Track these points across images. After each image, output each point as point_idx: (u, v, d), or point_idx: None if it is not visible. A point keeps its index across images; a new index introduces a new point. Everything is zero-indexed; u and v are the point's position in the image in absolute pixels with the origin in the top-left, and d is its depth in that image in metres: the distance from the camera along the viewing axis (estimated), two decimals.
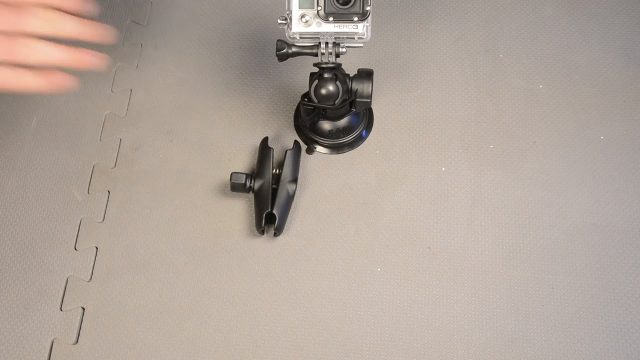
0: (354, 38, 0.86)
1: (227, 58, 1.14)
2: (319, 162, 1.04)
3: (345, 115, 1.01)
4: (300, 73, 1.11)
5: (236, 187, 0.97)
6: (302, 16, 0.84)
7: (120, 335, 0.93)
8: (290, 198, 0.98)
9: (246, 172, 1.00)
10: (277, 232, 0.97)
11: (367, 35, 0.86)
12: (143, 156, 1.06)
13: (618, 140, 1.03)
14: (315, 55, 0.88)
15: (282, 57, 0.90)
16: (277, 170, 0.99)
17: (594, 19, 1.14)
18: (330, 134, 1.03)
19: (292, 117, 1.08)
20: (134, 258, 0.98)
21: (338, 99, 0.92)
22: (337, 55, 0.88)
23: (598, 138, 1.04)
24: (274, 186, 0.98)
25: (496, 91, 1.09)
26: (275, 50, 0.91)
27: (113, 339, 0.93)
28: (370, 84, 0.94)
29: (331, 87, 0.91)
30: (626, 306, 0.92)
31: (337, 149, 1.05)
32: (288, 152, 1.00)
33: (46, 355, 0.93)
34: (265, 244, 0.98)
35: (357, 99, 0.94)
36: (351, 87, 0.94)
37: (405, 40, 1.14)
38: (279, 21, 0.86)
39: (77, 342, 0.93)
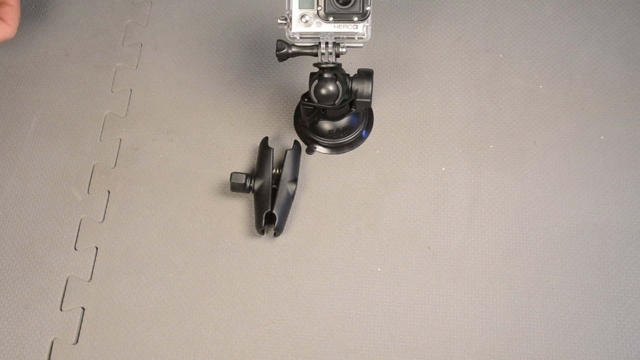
0: (354, 38, 0.87)
1: (227, 58, 1.14)
2: (319, 162, 1.04)
3: (345, 115, 1.01)
4: (300, 73, 1.11)
5: (236, 187, 0.97)
6: (302, 16, 0.84)
7: (120, 335, 0.93)
8: (290, 198, 0.98)
9: (246, 172, 1.00)
10: (277, 232, 0.97)
11: (367, 35, 0.86)
12: (143, 156, 1.06)
13: (618, 140, 1.03)
14: (315, 55, 0.88)
15: (282, 57, 0.90)
16: (277, 170, 0.99)
17: (594, 19, 1.14)
18: (330, 134, 1.03)
19: (292, 117, 1.08)
20: (134, 258, 0.98)
21: (338, 99, 0.92)
22: (337, 55, 0.88)
23: (598, 138, 1.04)
24: (274, 186, 0.98)
25: (496, 91, 1.09)
26: (275, 50, 0.91)
27: (113, 339, 0.93)
28: (370, 84, 0.94)
29: (331, 87, 0.91)
30: (626, 306, 0.92)
31: (337, 149, 1.05)
32: (288, 152, 1.00)
33: (46, 355, 0.93)
34: (265, 244, 0.98)
35: (357, 99, 0.94)
36: (351, 87, 0.94)
37: (405, 40, 1.14)
38: (279, 21, 0.86)
39: (77, 342, 0.93)
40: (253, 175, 0.99)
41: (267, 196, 0.96)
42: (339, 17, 0.84)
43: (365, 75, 0.94)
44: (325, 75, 0.91)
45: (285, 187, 0.97)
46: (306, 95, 0.96)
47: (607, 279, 0.94)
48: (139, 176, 1.04)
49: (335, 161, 1.04)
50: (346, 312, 0.93)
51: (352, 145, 1.05)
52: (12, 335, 0.94)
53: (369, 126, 1.06)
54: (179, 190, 1.03)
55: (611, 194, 0.99)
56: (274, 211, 0.95)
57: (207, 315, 0.94)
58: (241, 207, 1.01)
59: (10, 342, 0.93)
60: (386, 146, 1.05)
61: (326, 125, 1.03)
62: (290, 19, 0.85)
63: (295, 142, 1.03)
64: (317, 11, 0.84)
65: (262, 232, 0.97)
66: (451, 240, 0.97)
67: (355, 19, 0.83)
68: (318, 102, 0.92)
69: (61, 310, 0.95)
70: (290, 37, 0.87)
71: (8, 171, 1.06)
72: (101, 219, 1.01)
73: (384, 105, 1.08)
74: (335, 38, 0.87)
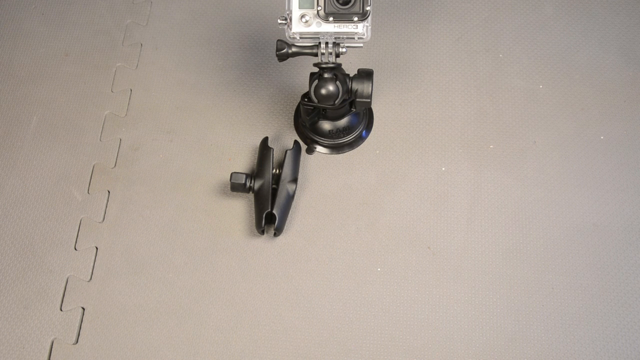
0: (354, 38, 0.87)
1: (227, 58, 1.14)
2: (319, 162, 1.04)
3: (345, 115, 1.01)
4: (300, 73, 1.11)
5: (236, 187, 0.97)
6: (302, 16, 0.84)
7: (120, 335, 0.93)
8: (290, 198, 0.98)
9: (246, 172, 1.00)
10: (277, 232, 0.97)
11: (367, 35, 0.86)
12: (143, 156, 1.06)
13: (618, 140, 1.03)
14: (315, 55, 0.88)
15: (282, 57, 0.90)
16: (277, 170, 0.99)
17: (594, 19, 1.14)
18: (330, 134, 1.03)
19: (292, 117, 1.08)
20: (134, 258, 0.98)
21: (338, 99, 0.92)
22: (337, 55, 0.88)
23: (598, 138, 1.04)
24: (274, 186, 0.98)
25: (496, 91, 1.09)
26: (275, 50, 0.91)
27: (113, 339, 0.93)
28: (370, 84, 0.94)
29: (331, 87, 0.91)
30: (626, 306, 0.92)
31: (337, 149, 1.05)
32: (288, 152, 1.00)
33: (46, 355, 0.93)
34: (265, 244, 0.98)
35: (357, 99, 0.94)
36: (351, 87, 0.94)
37: (405, 40, 1.14)
38: (279, 21, 0.86)
39: (77, 342, 0.93)
40: (253, 175, 0.99)
41: (267, 196, 0.96)
42: (339, 17, 0.84)
43: (365, 75, 0.94)
44: (325, 75, 0.91)
45: (285, 187, 0.97)
46: (306, 95, 0.96)
47: (607, 279, 0.93)
48: (139, 176, 1.04)
49: (335, 161, 1.04)
50: (346, 312, 0.93)
51: (352, 145, 1.05)
52: (12, 335, 0.94)
53: (369, 126, 1.06)
54: (179, 190, 1.03)
55: (611, 194, 0.99)
56: (274, 211, 0.95)
57: (207, 315, 0.94)
58: (241, 207, 1.01)
59: (10, 342, 0.93)
60: (386, 146, 1.05)
61: (326, 125, 1.03)
62: (290, 19, 0.85)
63: (295, 142, 1.03)
64: (317, 11, 0.84)
65: (262, 232, 0.97)
66: (451, 240, 0.97)
67: (355, 19, 0.83)
68: (318, 102, 0.92)
69: (61, 310, 0.95)
70: (290, 37, 0.87)
71: (8, 171, 1.06)
72: (101, 219, 1.01)
73: (384, 105, 1.08)
74: (335, 38, 0.87)
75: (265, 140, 1.02)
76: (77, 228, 1.01)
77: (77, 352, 0.92)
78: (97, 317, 0.94)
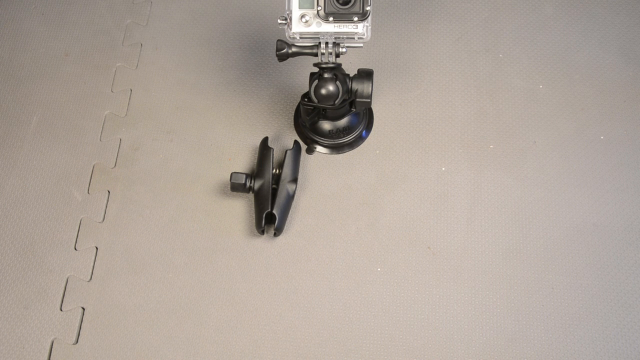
0: (354, 38, 0.87)
1: (227, 58, 1.14)
2: (319, 162, 1.04)
3: (345, 115, 1.01)
4: (300, 73, 1.11)
5: (236, 187, 0.97)
6: (302, 16, 0.84)
7: (120, 335, 0.93)
8: (290, 198, 0.98)
9: (246, 172, 1.00)
10: (277, 232, 0.97)
11: (367, 35, 0.86)
12: (143, 156, 1.06)
13: (618, 140, 1.03)
14: (315, 55, 0.88)
15: (282, 57, 0.90)
16: (277, 170, 0.99)
17: (594, 19, 1.14)
18: (330, 134, 1.03)
19: (292, 117, 1.08)
20: (134, 258, 0.98)
21: (338, 99, 0.92)
22: (337, 55, 0.88)
23: (598, 138, 1.04)
24: (274, 186, 0.98)
25: (496, 91, 1.09)
26: (275, 50, 0.91)
27: (113, 339, 0.93)
28: (370, 84, 0.94)
29: (331, 87, 0.91)
30: (626, 306, 0.92)
31: (337, 149, 1.05)
32: (288, 152, 1.00)
33: (46, 355, 0.93)
34: (265, 244, 0.98)
35: (357, 99, 0.94)
36: (351, 87, 0.94)
37: (405, 40, 1.14)
38: (279, 21, 0.86)
39: (77, 342, 0.93)
40: (253, 175, 0.99)
41: (267, 196, 0.96)
42: (339, 17, 0.84)
43: (365, 75, 0.94)
44: (325, 75, 0.91)
45: (285, 187, 0.97)
46: (306, 95, 0.97)
47: (607, 279, 0.93)
48: (139, 176, 1.04)
49: (335, 161, 1.04)
50: (346, 312, 0.93)
51: (352, 145, 1.05)
52: (12, 335, 0.94)
53: (369, 126, 1.06)
54: (179, 190, 1.03)
55: (611, 194, 0.99)
56: (274, 211, 0.95)
57: (207, 315, 0.94)
58: (241, 207, 1.01)
59: (10, 342, 0.93)
60: (386, 146, 1.05)
61: (326, 125, 1.03)
62: (290, 19, 0.85)
63: (295, 142, 1.03)
64: (317, 11, 0.84)
65: (262, 232, 0.97)
66: (451, 240, 0.97)
67: (355, 19, 0.84)
68: (318, 102, 0.92)
69: (61, 310, 0.95)
70: (290, 37, 0.87)
71: (8, 171, 1.06)
72: (101, 219, 1.01)
73: (384, 105, 1.08)
74: (335, 38, 0.87)
75: (265, 140, 1.02)
76: (77, 228, 1.01)
77: (77, 352, 0.92)
78: (97, 317, 0.94)
